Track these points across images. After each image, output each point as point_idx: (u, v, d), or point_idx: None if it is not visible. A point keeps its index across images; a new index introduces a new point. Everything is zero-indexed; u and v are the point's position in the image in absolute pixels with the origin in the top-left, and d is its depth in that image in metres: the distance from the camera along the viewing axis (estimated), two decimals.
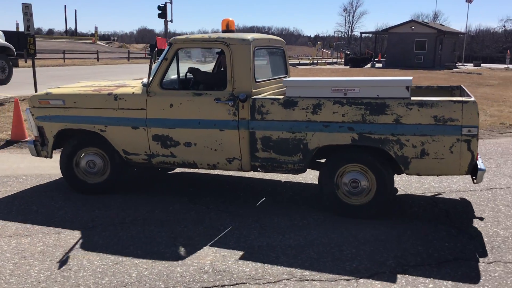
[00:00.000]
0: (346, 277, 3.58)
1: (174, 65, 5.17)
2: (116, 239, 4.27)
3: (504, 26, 59.22)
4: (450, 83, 20.38)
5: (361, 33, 57.49)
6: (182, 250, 4.05)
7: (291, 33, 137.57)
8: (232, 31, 5.54)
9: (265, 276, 3.59)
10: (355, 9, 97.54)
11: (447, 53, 43.25)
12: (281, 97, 4.84)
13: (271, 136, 4.83)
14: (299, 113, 4.73)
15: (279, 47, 5.98)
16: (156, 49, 6.00)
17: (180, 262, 3.82)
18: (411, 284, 3.49)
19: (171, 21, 31.53)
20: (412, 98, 4.50)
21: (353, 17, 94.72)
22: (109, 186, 5.52)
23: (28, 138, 8.24)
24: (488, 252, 4.01)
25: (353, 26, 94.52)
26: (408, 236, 4.36)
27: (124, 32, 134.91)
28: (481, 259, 3.88)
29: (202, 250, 4.04)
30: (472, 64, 45.74)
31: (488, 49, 66.49)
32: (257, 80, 5.06)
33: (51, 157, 5.65)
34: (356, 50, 60.86)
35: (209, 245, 4.13)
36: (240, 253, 3.99)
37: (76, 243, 4.17)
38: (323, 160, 5.05)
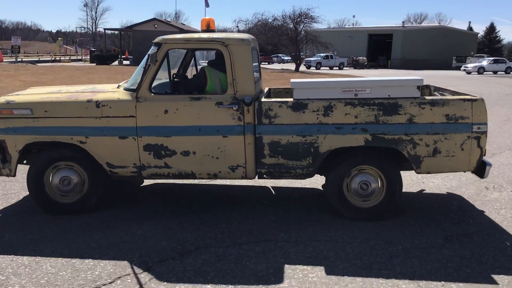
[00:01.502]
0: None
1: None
2: None
3: (238, 27, 65.55)
4: None
5: (105, 29, 56.39)
6: None
7: (29, 28, 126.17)
8: (213, 30, 5.13)
9: None
10: (97, 5, 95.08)
11: None
12: (290, 99, 4.60)
13: (280, 140, 4.59)
14: (309, 115, 4.55)
15: (256, 47, 5.66)
16: (157, 50, 4.84)
17: None
18: (155, 281, 3.49)
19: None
20: (425, 97, 4.53)
21: (96, 13, 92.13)
22: (87, 205, 4.84)
23: None
24: (226, 238, 4.31)
25: (97, 22, 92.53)
26: (152, 233, 4.38)
27: None
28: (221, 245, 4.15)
29: None
30: None
31: None
32: None
33: (14, 175, 4.83)
34: (102, 47, 59.32)
35: None
36: None
37: None
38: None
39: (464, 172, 4.72)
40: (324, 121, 4.55)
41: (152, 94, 4.66)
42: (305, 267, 3.75)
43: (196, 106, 4.59)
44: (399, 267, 3.75)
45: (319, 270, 3.69)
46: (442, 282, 3.51)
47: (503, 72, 40.12)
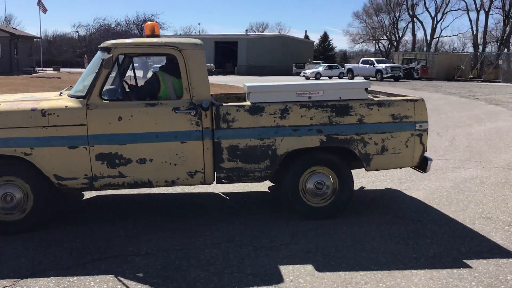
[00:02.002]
0: None
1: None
2: None
3: (78, 32, 62.17)
4: (31, 88, 20.05)
5: None
6: None
7: None
8: (157, 36, 4.94)
9: None
10: None
11: (25, 58, 42.22)
12: (247, 103, 4.66)
13: (239, 144, 4.61)
14: (267, 118, 4.62)
15: None
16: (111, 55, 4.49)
17: None
18: None
19: None
20: (373, 99, 4.84)
21: None
22: (32, 222, 4.47)
23: None
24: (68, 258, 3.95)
25: None
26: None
27: None
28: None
29: None
30: (51, 69, 46.00)
31: (67, 53, 68.52)
32: None
33: None
34: None
35: None
36: None
37: None
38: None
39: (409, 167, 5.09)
40: (281, 123, 4.64)
41: (103, 101, 4.45)
42: (155, 280, 3.58)
43: (152, 112, 4.47)
44: (250, 268, 3.79)
45: (170, 282, 3.55)
46: (291, 277, 3.64)
47: (337, 77, 43.88)
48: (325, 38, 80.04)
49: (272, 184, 5.88)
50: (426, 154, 5.00)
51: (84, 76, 4.86)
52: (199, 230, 4.58)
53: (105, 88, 4.57)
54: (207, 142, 4.56)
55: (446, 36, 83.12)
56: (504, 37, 55.62)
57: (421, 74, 40.68)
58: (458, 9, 75.86)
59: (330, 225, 4.71)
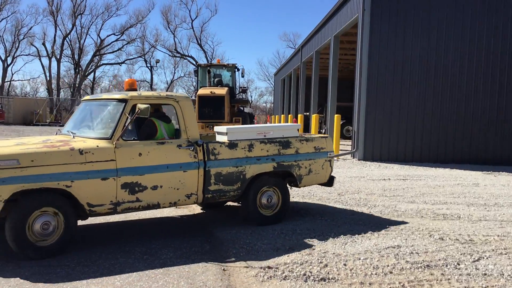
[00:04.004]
0: None
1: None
2: None
3: None
4: None
5: None
6: None
7: None
8: (135, 89, 6.17)
9: None
10: None
11: None
12: (227, 141, 6.25)
13: (222, 171, 6.11)
14: (240, 151, 6.28)
15: None
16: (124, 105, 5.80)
17: None
18: None
19: None
20: (303, 135, 7.04)
21: None
22: (62, 247, 5.18)
23: None
24: None
25: None
26: None
27: None
28: None
29: None
30: None
31: None
32: None
33: None
34: None
35: None
36: None
37: None
38: None
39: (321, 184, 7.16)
40: (249, 155, 6.34)
41: (124, 141, 5.54)
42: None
43: (163, 148, 5.75)
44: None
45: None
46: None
47: None
48: None
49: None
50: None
51: (85, 120, 6.11)
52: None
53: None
54: (201, 170, 5.95)
55: (18, 80, 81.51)
56: (77, 84, 58.34)
57: None
58: (29, 54, 66.35)
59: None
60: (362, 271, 4.68)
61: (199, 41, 65.19)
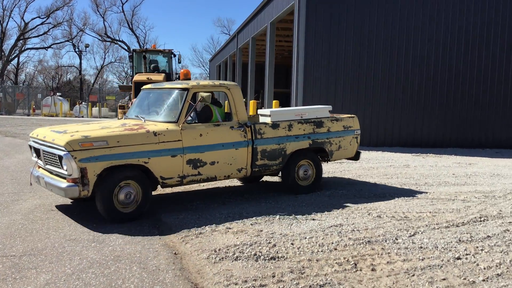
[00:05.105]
0: None
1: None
2: None
3: None
4: None
5: None
6: None
7: None
8: (189, 78, 7.12)
9: None
10: None
11: None
12: (270, 122, 7.33)
13: (266, 148, 7.17)
14: (281, 131, 7.36)
15: None
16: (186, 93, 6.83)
17: None
18: None
19: None
20: (334, 116, 8.09)
21: None
22: (140, 213, 6.09)
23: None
24: None
25: None
26: None
27: None
28: None
29: None
30: None
31: None
32: None
33: (90, 195, 5.77)
34: None
35: None
36: None
37: None
38: None
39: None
40: (289, 133, 7.40)
41: (187, 124, 6.50)
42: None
43: (218, 130, 6.77)
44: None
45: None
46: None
47: None
48: None
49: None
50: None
51: (151, 106, 7.15)
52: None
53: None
54: (249, 148, 7.00)
55: None
56: (0, 71, 55.64)
57: None
58: None
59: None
60: (308, 249, 4.92)
61: (130, 25, 63.75)
